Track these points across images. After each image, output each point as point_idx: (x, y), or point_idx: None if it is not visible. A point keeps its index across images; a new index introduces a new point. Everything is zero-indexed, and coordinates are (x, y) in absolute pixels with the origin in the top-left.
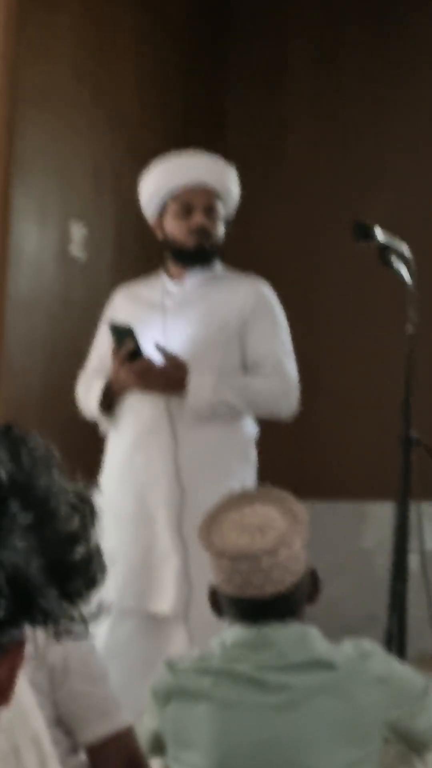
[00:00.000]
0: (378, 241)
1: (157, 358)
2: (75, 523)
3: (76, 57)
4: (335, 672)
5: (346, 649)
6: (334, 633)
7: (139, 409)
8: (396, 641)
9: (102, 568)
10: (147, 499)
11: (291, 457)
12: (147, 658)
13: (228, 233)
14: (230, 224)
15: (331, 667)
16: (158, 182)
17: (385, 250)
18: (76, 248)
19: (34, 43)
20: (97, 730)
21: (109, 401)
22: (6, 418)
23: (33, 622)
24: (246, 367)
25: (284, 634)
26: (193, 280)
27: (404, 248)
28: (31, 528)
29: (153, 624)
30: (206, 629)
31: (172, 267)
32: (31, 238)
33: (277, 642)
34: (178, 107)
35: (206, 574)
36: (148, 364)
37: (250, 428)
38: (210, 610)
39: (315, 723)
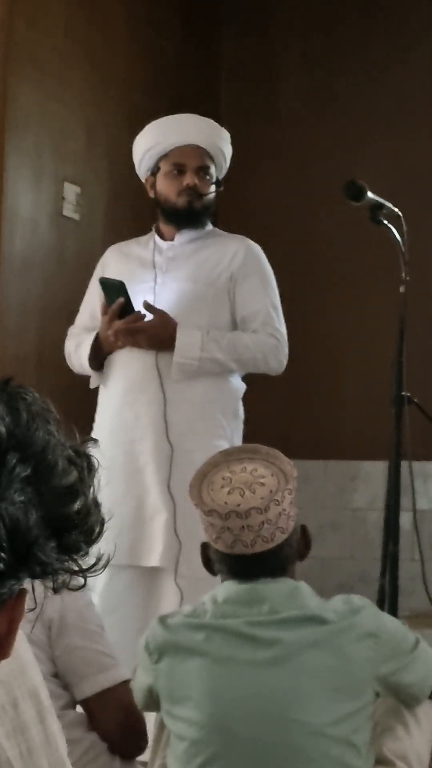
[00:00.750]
0: (369, 201)
1: (146, 315)
2: (73, 476)
3: (69, 19)
4: (326, 626)
5: (337, 604)
6: (328, 591)
7: (128, 365)
8: (388, 599)
9: (100, 522)
10: (136, 454)
11: (284, 417)
12: (142, 611)
13: (221, 193)
14: (221, 184)
15: (322, 621)
16: (151, 142)
17: (376, 210)
18: (70, 208)
19: (27, 6)
20: (93, 684)
21: (99, 357)
22: (2, 375)
23: (32, 574)
24: (235, 323)
25: (275, 589)
26: (184, 238)
27: (396, 208)
28: (29, 481)
29: (146, 578)
30: (195, 583)
31: (163, 226)
32: (25, 199)
33: (268, 597)
34: (171, 68)
35: (194, 528)
36: (137, 320)
37: (239, 385)
38: (198, 563)
39: (306, 677)
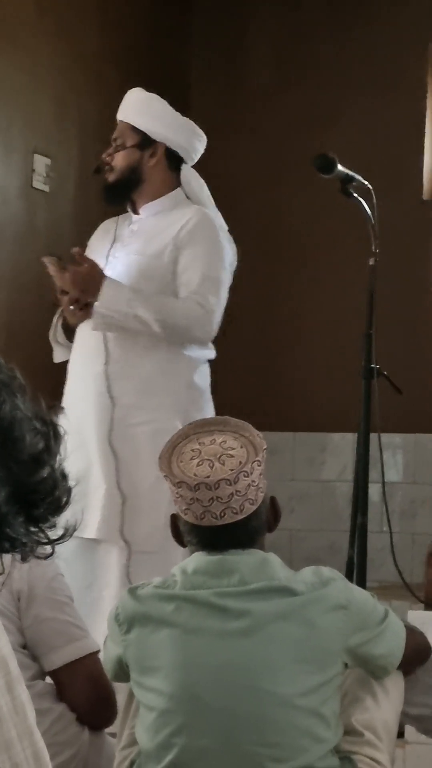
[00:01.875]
0: (339, 174)
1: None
2: (39, 447)
3: None
4: (295, 598)
5: (306, 575)
6: (297, 562)
7: (82, 340)
8: (357, 570)
9: (66, 491)
10: (82, 428)
11: (253, 389)
12: (84, 580)
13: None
14: (147, 143)
15: (291, 592)
16: None
17: (346, 183)
18: (40, 180)
19: None
20: (63, 654)
21: (66, 331)
22: None
23: (1, 549)
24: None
25: (244, 560)
26: (148, 212)
27: (366, 181)
28: None
29: (90, 546)
30: (139, 556)
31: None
32: None
33: (237, 568)
34: (142, 41)
35: (137, 500)
36: (67, 269)
37: (197, 354)
38: (141, 536)
39: (275, 648)
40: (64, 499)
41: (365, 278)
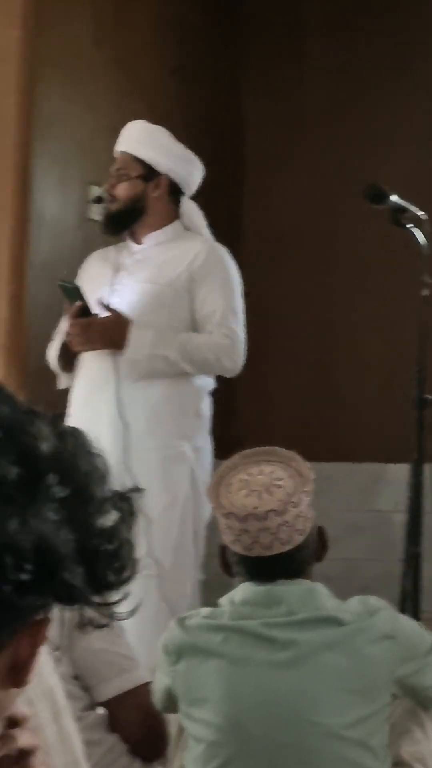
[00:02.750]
0: (391, 204)
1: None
2: (111, 517)
3: (96, 22)
4: (342, 628)
5: (354, 605)
6: (351, 592)
7: (89, 366)
8: (410, 600)
9: (132, 564)
10: None
11: (308, 420)
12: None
13: (244, 196)
14: (152, 176)
15: (339, 623)
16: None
17: (398, 213)
18: (96, 211)
19: (54, 10)
20: (114, 686)
21: (68, 358)
22: (31, 384)
23: (56, 595)
24: (195, 324)
25: (292, 591)
26: (151, 241)
27: (419, 211)
28: (66, 502)
29: None
30: (169, 577)
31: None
32: (51, 203)
33: (285, 599)
34: (195, 72)
35: (152, 524)
36: (91, 320)
37: (203, 384)
38: (164, 562)
39: (322, 679)
40: (128, 572)
41: (418, 308)
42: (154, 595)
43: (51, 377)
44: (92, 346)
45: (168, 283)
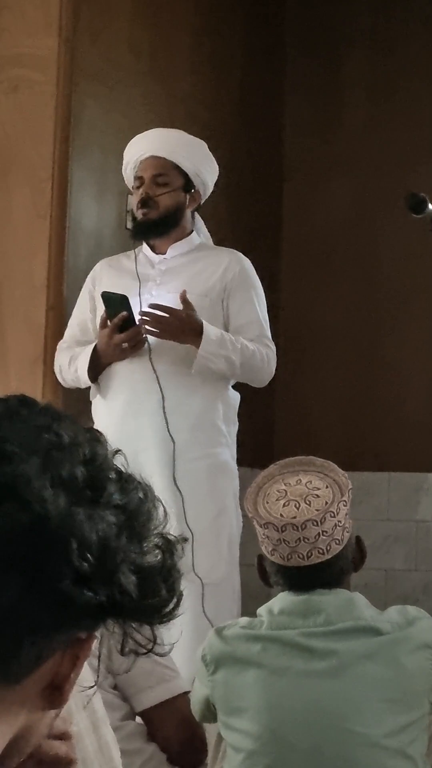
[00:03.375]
0: (430, 213)
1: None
2: (156, 559)
3: (133, 32)
4: (381, 638)
5: (392, 614)
6: (392, 602)
7: (129, 376)
8: None
9: (179, 596)
10: (141, 464)
11: (348, 430)
12: None
13: (286, 208)
14: (191, 187)
15: (377, 632)
16: (126, 159)
17: None
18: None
19: (91, 19)
20: (152, 695)
21: (97, 369)
22: (67, 393)
23: (111, 602)
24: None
25: (330, 600)
26: (176, 251)
27: None
28: (124, 512)
29: None
30: (212, 584)
31: (154, 240)
32: (89, 212)
33: (323, 608)
34: (235, 82)
35: (202, 534)
36: (138, 334)
37: (234, 393)
38: (207, 569)
39: (361, 688)
40: (171, 607)
41: None
42: (196, 608)
43: (85, 388)
44: (171, 336)
45: (204, 294)
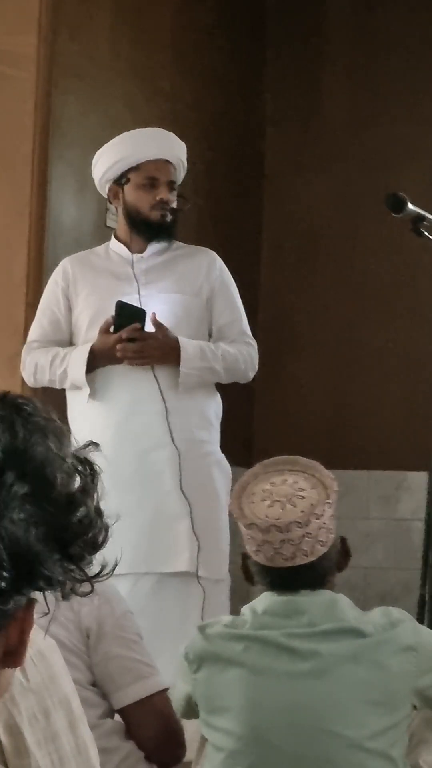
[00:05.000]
0: (410, 213)
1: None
2: (74, 486)
3: (113, 30)
4: (364, 639)
5: (376, 616)
6: (371, 600)
7: (129, 377)
8: (428, 609)
9: (104, 530)
10: (151, 462)
11: (329, 427)
12: (167, 616)
13: (267, 205)
14: (187, 200)
15: (360, 634)
16: (124, 153)
17: (417, 222)
18: (113, 219)
19: (71, 17)
20: (131, 692)
21: (89, 370)
22: (46, 391)
23: (36, 588)
24: (212, 334)
25: (314, 601)
26: (154, 250)
27: None
28: (28, 498)
29: (169, 581)
30: (213, 584)
31: (134, 237)
32: (69, 209)
33: (307, 610)
34: (216, 79)
35: (209, 532)
36: (146, 335)
37: (217, 394)
38: (214, 565)
39: (344, 690)
40: (101, 538)
41: None
42: (195, 614)
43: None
44: (148, 361)
45: (195, 293)
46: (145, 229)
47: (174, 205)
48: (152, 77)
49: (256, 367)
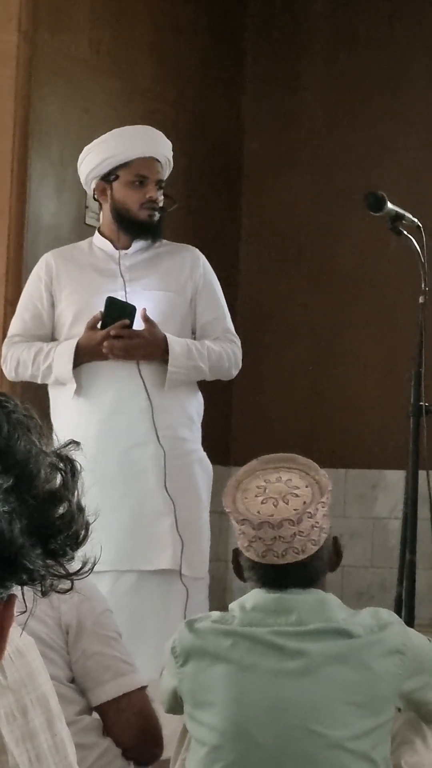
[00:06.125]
0: (389, 211)
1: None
2: (56, 482)
3: (94, 28)
4: (352, 641)
5: (364, 618)
6: (348, 598)
7: (114, 374)
8: (405, 607)
9: (85, 526)
10: (134, 460)
11: (306, 425)
12: (148, 613)
13: (245, 203)
14: (174, 199)
15: (349, 635)
16: (114, 150)
17: (396, 220)
18: (93, 217)
19: (51, 14)
20: (110, 689)
21: (75, 366)
22: (26, 387)
23: (18, 581)
24: (194, 331)
25: (303, 600)
26: (139, 246)
27: (416, 219)
28: (11, 491)
29: (150, 579)
30: (194, 582)
31: (120, 233)
32: (48, 207)
33: (296, 608)
34: (195, 78)
35: (192, 530)
36: (133, 333)
37: (199, 393)
38: (197, 563)
39: (329, 690)
40: (82, 534)
41: (416, 315)
42: (178, 612)
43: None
44: (134, 358)
45: (179, 290)
46: (132, 227)
47: (161, 203)
48: (132, 76)
49: (240, 365)
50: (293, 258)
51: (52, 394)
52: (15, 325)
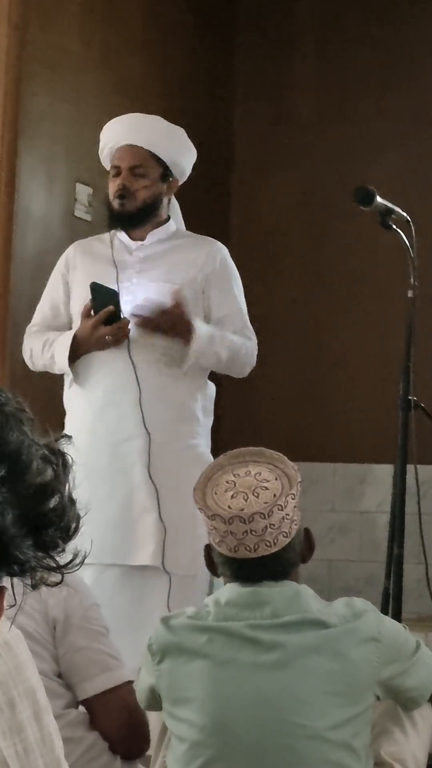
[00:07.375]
0: (379, 206)
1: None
2: (48, 475)
3: (84, 22)
4: (328, 631)
5: (339, 607)
6: (335, 593)
7: (107, 366)
8: (393, 601)
9: (76, 518)
10: (123, 454)
11: (295, 420)
12: (130, 608)
13: (235, 200)
14: (169, 177)
15: (324, 625)
16: (101, 145)
17: (385, 215)
18: (82, 209)
19: (41, 8)
20: (96, 683)
21: (72, 356)
22: (13, 379)
23: (9, 572)
24: (209, 323)
25: (277, 593)
26: (154, 238)
27: (405, 213)
28: (4, 481)
29: (133, 575)
30: (180, 579)
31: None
32: (38, 199)
33: (270, 601)
34: (186, 72)
35: (177, 527)
36: (126, 327)
37: (211, 385)
38: (182, 561)
39: (308, 681)
40: (74, 526)
41: (405, 310)
42: (161, 603)
43: (33, 373)
44: (162, 332)
45: (186, 283)
46: (112, 220)
47: (141, 188)
48: (122, 69)
49: (254, 364)
50: (283, 254)
51: (65, 383)
52: (36, 316)
